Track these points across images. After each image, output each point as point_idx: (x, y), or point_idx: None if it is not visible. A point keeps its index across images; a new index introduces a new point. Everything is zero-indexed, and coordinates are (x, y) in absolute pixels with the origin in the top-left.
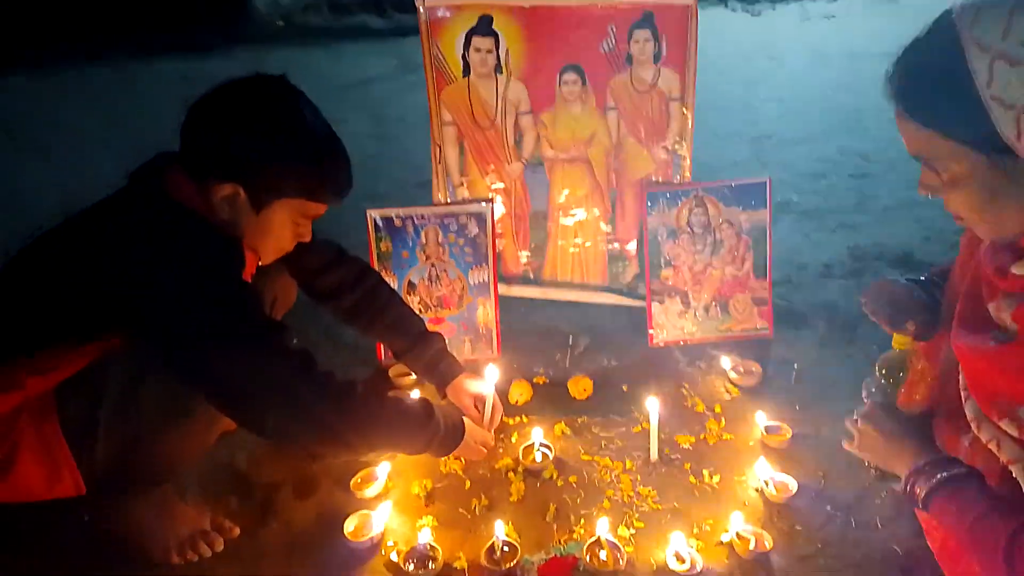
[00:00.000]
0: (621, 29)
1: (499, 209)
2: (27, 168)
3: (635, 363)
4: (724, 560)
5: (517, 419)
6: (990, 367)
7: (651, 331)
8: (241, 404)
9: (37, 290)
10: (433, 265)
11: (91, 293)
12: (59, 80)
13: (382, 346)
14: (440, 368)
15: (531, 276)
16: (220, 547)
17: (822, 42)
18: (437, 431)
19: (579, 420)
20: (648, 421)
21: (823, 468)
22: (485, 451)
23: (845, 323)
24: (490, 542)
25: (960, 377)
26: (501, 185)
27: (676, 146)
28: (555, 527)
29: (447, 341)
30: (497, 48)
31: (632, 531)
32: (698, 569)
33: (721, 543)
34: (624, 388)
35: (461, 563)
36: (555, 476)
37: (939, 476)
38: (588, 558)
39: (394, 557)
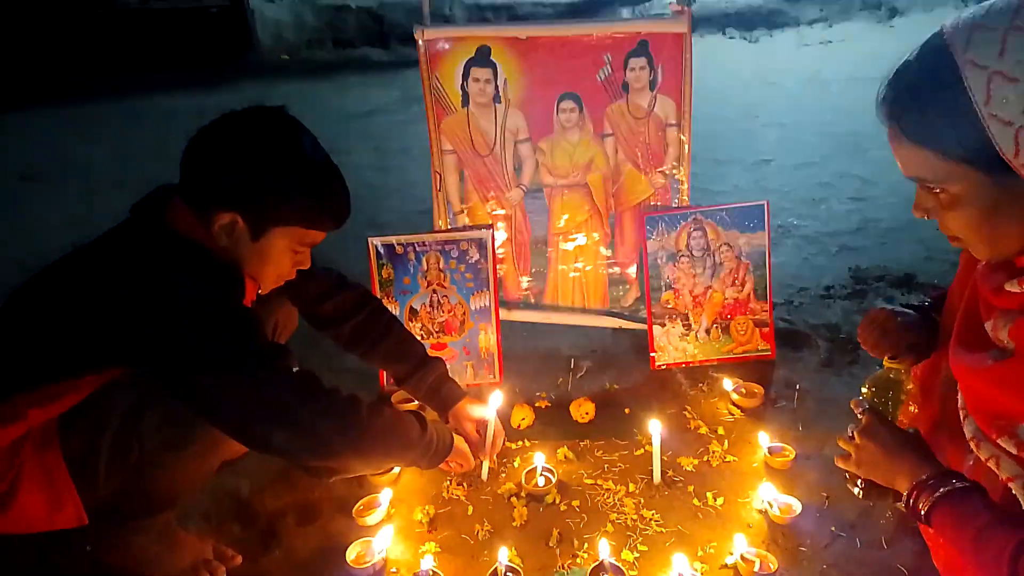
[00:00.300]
0: (617, 58)
1: (500, 235)
2: (38, 203)
3: (637, 386)
4: None
5: (519, 443)
6: (988, 385)
7: (653, 354)
8: (246, 427)
9: (39, 324)
10: (434, 291)
11: (92, 326)
12: (70, 116)
13: (384, 373)
14: (442, 394)
15: (532, 301)
16: None
17: (820, 67)
18: (431, 444)
19: (581, 444)
20: (651, 444)
21: (827, 488)
22: (461, 467)
23: (847, 344)
24: (493, 568)
25: (959, 396)
26: (501, 212)
27: (674, 171)
28: (558, 552)
29: (449, 367)
30: (495, 78)
31: (636, 555)
32: None
33: (725, 566)
34: (626, 411)
35: None
36: (558, 500)
37: (941, 490)
38: None
39: None
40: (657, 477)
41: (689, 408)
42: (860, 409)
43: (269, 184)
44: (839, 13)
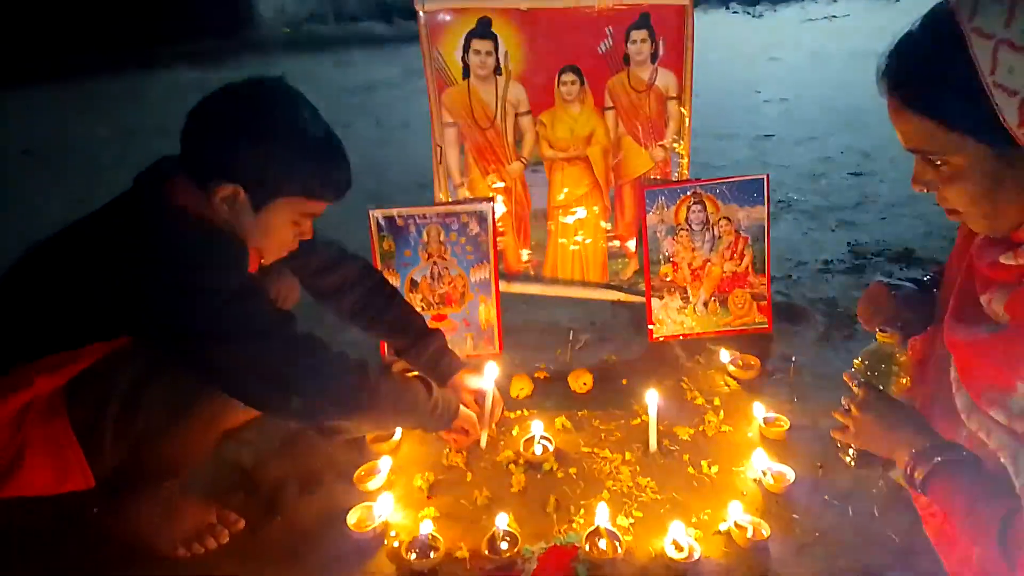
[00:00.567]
0: (618, 30)
1: (500, 208)
2: (41, 180)
3: (635, 358)
4: (722, 549)
5: (518, 413)
6: (980, 357)
7: (651, 326)
8: (263, 393)
9: (43, 295)
10: (435, 263)
11: (95, 297)
12: (71, 92)
13: (384, 344)
14: (441, 365)
15: (532, 273)
16: (225, 539)
17: (823, 42)
18: (436, 407)
19: (579, 413)
20: (647, 414)
21: (820, 458)
22: (466, 438)
23: (844, 318)
24: (491, 532)
25: (952, 370)
26: (501, 184)
27: (674, 144)
28: (555, 518)
29: (449, 338)
30: (496, 50)
31: (631, 520)
32: (696, 557)
33: (719, 532)
34: (624, 382)
35: (462, 553)
36: (555, 468)
37: (938, 459)
38: (587, 547)
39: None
40: (653, 446)
41: (686, 380)
42: (854, 382)
43: (270, 155)
44: None
